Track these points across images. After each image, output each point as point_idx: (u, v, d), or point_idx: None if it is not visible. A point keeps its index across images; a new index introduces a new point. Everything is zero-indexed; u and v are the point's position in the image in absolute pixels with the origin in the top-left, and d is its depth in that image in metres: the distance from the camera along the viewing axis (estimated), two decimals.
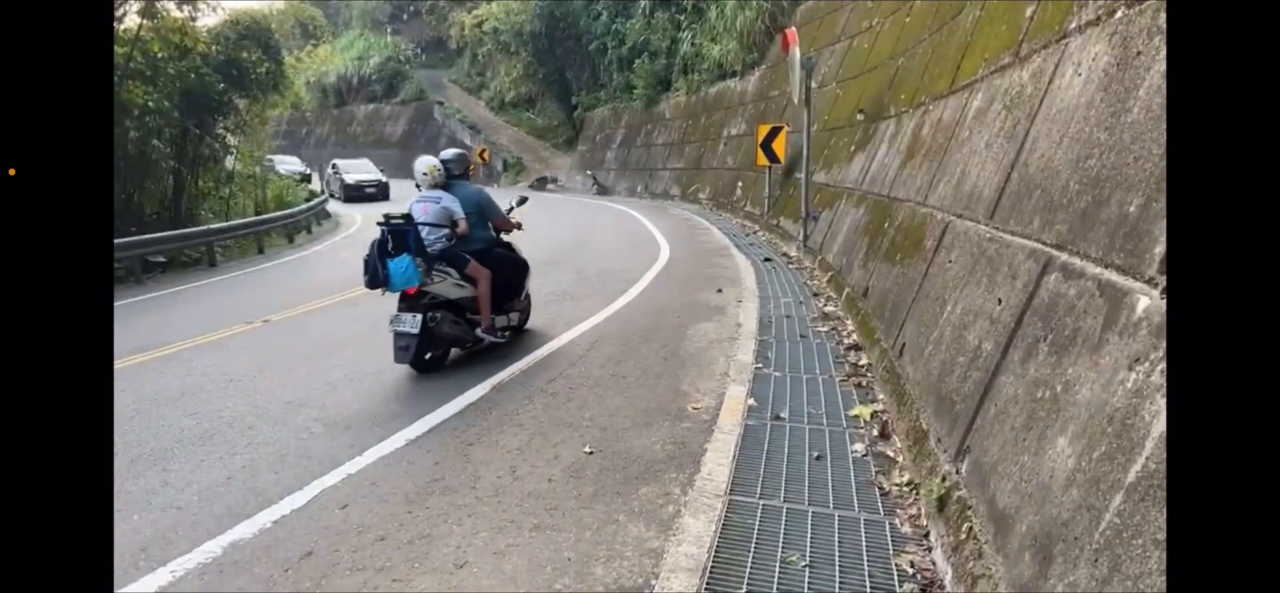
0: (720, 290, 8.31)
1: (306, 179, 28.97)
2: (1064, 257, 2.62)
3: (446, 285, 5.49)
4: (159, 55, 14.48)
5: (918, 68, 7.33)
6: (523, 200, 6.88)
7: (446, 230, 5.62)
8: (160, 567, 3.00)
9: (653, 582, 2.77)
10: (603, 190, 28.75)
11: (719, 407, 4.60)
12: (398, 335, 5.33)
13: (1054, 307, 2.56)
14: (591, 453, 3.97)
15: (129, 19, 14.09)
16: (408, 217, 5.40)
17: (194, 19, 15.59)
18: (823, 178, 10.54)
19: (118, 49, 13.68)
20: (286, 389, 5.31)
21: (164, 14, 14.66)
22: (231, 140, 18.98)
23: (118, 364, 6.31)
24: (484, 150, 32.79)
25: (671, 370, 5.42)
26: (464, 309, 5.69)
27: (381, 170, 29.24)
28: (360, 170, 28.62)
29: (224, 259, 14.35)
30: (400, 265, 5.15)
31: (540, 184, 30.67)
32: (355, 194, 26.76)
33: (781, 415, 4.41)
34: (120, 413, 4.95)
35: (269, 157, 24.90)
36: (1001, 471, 2.51)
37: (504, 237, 6.34)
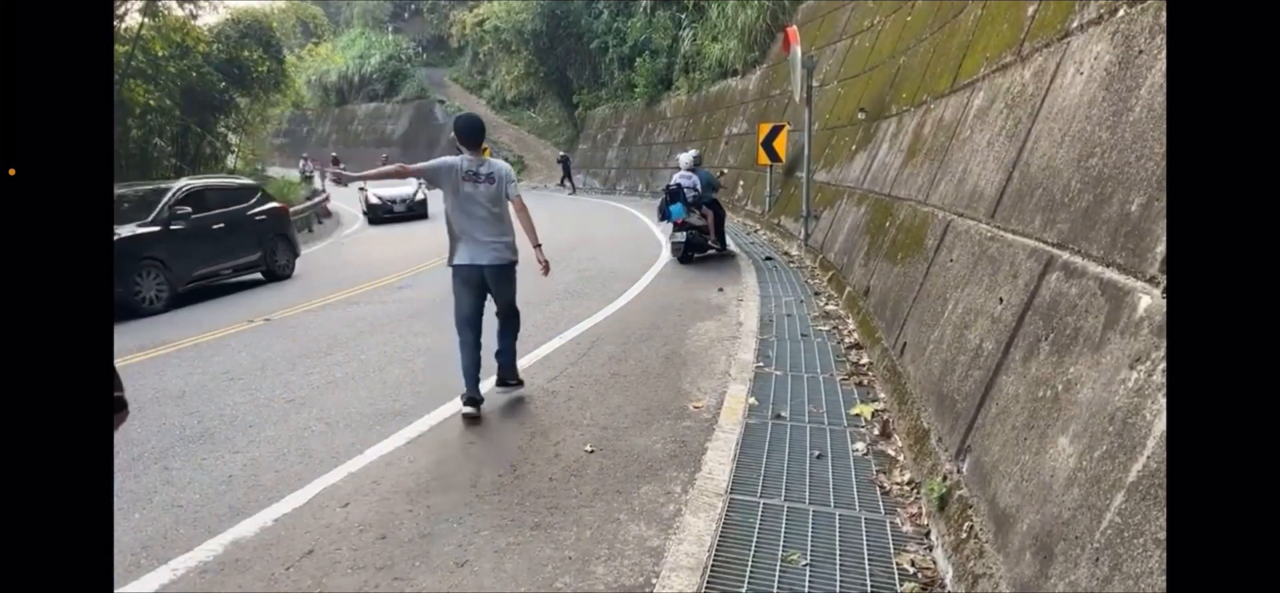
0: (721, 289, 8.31)
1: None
2: (1065, 256, 2.62)
3: (695, 218, 10.15)
4: (160, 54, 14.52)
5: (919, 66, 7.32)
6: (723, 172, 13.62)
7: (696, 192, 10.17)
8: (161, 565, 3.00)
9: (653, 581, 2.77)
10: (567, 178, 25.98)
11: (720, 406, 4.60)
12: (675, 244, 10.13)
13: (1055, 306, 2.56)
14: (592, 451, 3.97)
15: (130, 17, 14.13)
16: (678, 186, 10.00)
17: (195, 17, 15.64)
18: (824, 177, 10.53)
19: (119, 47, 13.71)
20: (287, 388, 5.32)
21: (165, 12, 14.69)
22: (233, 139, 19.02)
23: (119, 362, 6.29)
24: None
25: (672, 369, 5.42)
26: (703, 231, 10.25)
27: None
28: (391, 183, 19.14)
29: None
30: (677, 208, 9.93)
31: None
32: (383, 214, 19.03)
33: (782, 414, 4.41)
34: None
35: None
36: (1003, 470, 2.51)
37: (717, 195, 10.96)
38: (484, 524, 3.24)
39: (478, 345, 4.57)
